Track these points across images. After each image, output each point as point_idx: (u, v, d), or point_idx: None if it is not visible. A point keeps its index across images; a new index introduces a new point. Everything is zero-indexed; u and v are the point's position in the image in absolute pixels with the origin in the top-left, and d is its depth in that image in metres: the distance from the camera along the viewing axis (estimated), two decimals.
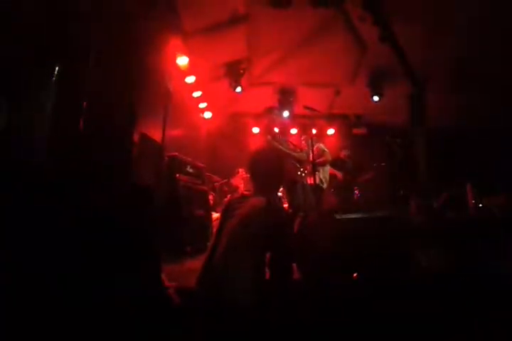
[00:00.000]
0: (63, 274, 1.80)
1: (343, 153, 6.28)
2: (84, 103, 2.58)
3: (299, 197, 4.17)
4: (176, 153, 4.09)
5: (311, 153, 4.16)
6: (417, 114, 5.77)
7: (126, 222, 2.15)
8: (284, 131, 4.67)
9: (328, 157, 5.19)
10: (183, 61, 4.69)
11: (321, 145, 5.10)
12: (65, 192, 2.03)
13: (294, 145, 4.62)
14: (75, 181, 2.16)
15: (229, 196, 6.25)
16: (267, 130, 4.42)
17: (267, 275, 1.77)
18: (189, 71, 5.07)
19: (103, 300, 1.87)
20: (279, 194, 4.86)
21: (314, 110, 4.24)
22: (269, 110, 4.68)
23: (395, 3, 4.37)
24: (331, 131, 7.73)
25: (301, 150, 4.51)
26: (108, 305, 1.87)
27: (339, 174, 5.86)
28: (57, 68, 2.34)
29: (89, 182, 2.24)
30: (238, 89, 5.85)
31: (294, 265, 2.55)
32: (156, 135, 3.53)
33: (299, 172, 4.17)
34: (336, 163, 5.78)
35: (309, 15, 4.44)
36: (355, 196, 6.17)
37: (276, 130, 4.50)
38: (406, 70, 5.22)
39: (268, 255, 1.75)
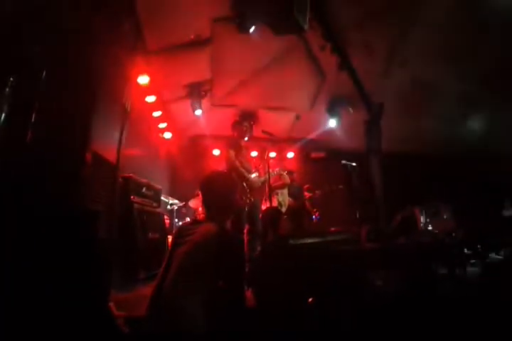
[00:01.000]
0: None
1: (292, 177, 6.31)
2: (33, 116, 2.46)
3: (241, 221, 4.13)
4: (131, 174, 3.96)
5: (268, 177, 4.17)
6: (372, 140, 6.00)
7: (71, 246, 2.01)
8: (249, 148, 4.65)
9: (286, 180, 5.22)
10: (143, 80, 4.63)
11: (279, 169, 5.13)
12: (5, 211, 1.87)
13: (256, 166, 4.63)
14: (17, 200, 2.01)
15: (187, 218, 6.12)
16: (232, 144, 4.36)
17: (219, 304, 1.71)
18: (150, 90, 5.01)
19: (43, 332, 1.72)
20: None
21: (272, 135, 4.30)
22: (240, 122, 4.67)
23: (353, 34, 4.63)
24: (290, 155, 7.87)
25: (259, 174, 4.51)
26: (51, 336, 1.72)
27: (290, 200, 5.87)
28: (11, 79, 2.24)
29: (33, 201, 2.09)
30: (198, 112, 5.85)
31: (249, 292, 2.50)
32: (110, 155, 3.39)
33: (244, 198, 4.12)
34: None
35: (272, 42, 4.56)
36: (314, 220, 6.22)
37: (243, 144, 4.46)
38: (362, 97, 5.45)
39: (219, 283, 1.70)
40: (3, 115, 2.18)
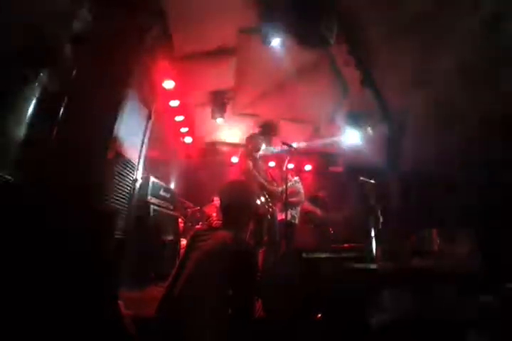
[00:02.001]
0: (13, 296, 1.67)
1: (322, 193, 6.35)
2: (61, 113, 2.53)
3: (262, 231, 4.11)
4: (151, 175, 4.00)
5: (285, 187, 4.15)
6: (392, 157, 5.94)
7: (86, 244, 2.03)
8: (265, 159, 4.67)
9: (302, 198, 5.16)
10: (169, 85, 4.72)
11: (298, 185, 5.07)
12: (27, 207, 1.91)
13: (272, 177, 4.62)
14: (40, 195, 2.05)
15: (201, 223, 6.13)
16: (248, 155, 4.38)
17: (227, 313, 1.69)
18: (174, 95, 5.10)
19: (51, 327, 1.73)
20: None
21: (291, 146, 4.30)
22: (255, 135, 4.70)
23: (378, 52, 4.62)
24: (308, 167, 7.84)
25: (278, 184, 4.50)
26: (57, 334, 1.73)
27: (318, 211, 5.87)
28: (41, 74, 2.31)
29: (54, 197, 2.13)
30: (219, 120, 5.90)
31: (259, 302, 2.48)
32: (131, 155, 3.45)
33: (266, 206, 4.12)
34: (315, 201, 5.83)
35: (297, 54, 4.60)
36: (330, 235, 6.17)
37: (258, 156, 4.47)
38: (384, 115, 5.43)
39: (230, 291, 1.68)
40: (31, 109, 2.24)
